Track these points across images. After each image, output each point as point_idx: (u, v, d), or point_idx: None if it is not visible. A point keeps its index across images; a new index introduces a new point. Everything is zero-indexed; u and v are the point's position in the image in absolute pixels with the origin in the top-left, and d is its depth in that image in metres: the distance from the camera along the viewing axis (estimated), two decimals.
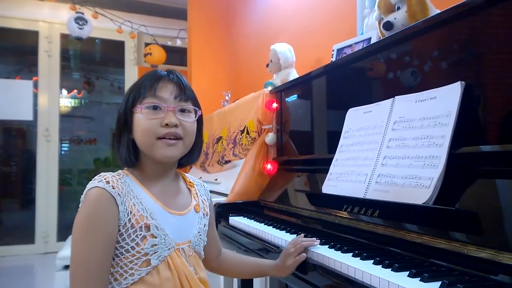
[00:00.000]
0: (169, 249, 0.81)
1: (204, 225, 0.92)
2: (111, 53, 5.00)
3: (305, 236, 1.08)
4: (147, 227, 0.79)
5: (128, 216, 0.78)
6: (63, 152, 4.61)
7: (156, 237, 0.80)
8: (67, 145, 4.75)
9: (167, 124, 0.81)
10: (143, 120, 0.81)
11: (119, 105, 0.87)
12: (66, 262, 2.09)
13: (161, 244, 0.80)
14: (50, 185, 4.21)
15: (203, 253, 0.92)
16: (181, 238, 0.85)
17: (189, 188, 0.94)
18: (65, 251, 2.16)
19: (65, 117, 4.64)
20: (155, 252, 0.79)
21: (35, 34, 4.26)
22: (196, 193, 0.94)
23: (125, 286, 0.77)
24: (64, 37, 4.36)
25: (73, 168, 4.83)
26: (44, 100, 4.27)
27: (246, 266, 1.03)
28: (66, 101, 4.79)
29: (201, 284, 0.85)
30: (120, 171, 0.85)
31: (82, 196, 0.78)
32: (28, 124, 4.41)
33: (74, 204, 4.75)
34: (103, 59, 5.24)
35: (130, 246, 0.78)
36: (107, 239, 0.75)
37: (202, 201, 0.94)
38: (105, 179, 0.78)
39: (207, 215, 0.94)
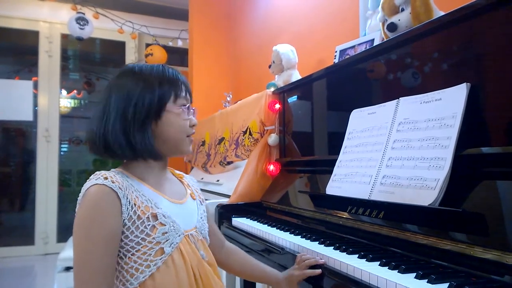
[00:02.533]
0: (179, 235, 0.83)
1: (204, 210, 0.95)
2: (112, 53, 5.00)
3: (308, 238, 1.09)
4: (155, 216, 0.80)
5: (132, 208, 0.78)
6: (62, 153, 4.60)
7: (165, 225, 0.81)
8: (66, 145, 4.75)
9: (194, 125, 0.90)
10: (179, 119, 0.86)
11: (133, 88, 0.83)
12: (67, 263, 2.09)
13: (171, 231, 0.81)
14: (49, 186, 4.20)
15: (209, 239, 0.94)
16: (187, 225, 0.86)
17: (180, 180, 0.97)
18: (66, 252, 2.16)
19: (65, 118, 4.63)
20: (167, 240, 0.80)
21: (35, 34, 4.26)
22: (188, 184, 0.97)
23: (143, 279, 0.77)
24: (65, 37, 4.35)
25: (72, 168, 4.82)
26: (44, 101, 4.27)
27: (253, 268, 1.04)
28: (66, 102, 4.78)
29: (210, 269, 0.87)
30: (114, 169, 0.84)
31: (80, 197, 0.77)
32: (28, 124, 4.40)
33: (74, 204, 4.62)
34: (103, 59, 5.23)
35: (140, 238, 0.78)
36: (110, 235, 0.75)
37: (195, 190, 0.98)
38: (102, 176, 0.78)
39: (203, 202, 0.97)
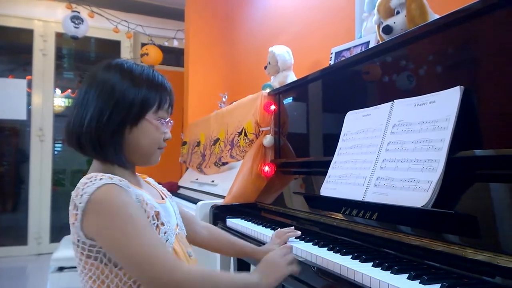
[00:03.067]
0: (173, 235, 0.83)
1: (176, 204, 0.96)
2: (107, 52, 4.97)
3: (302, 239, 1.09)
4: (157, 215, 0.80)
5: (142, 206, 0.77)
6: (56, 152, 4.57)
7: (164, 225, 0.80)
8: (60, 145, 4.72)
9: (167, 139, 0.86)
10: (154, 131, 0.82)
11: (118, 84, 0.79)
12: (60, 263, 2.07)
13: (169, 231, 0.81)
14: (43, 186, 4.17)
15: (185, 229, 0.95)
16: (172, 224, 0.86)
17: (146, 181, 0.95)
18: (60, 252, 2.15)
19: (59, 117, 4.60)
20: (167, 240, 0.80)
21: (30, 32, 4.23)
22: (153, 184, 0.96)
23: None
24: (59, 36, 4.33)
25: (66, 168, 4.79)
26: (38, 100, 4.24)
27: (233, 244, 1.06)
28: (60, 101, 4.75)
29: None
30: (103, 173, 0.77)
31: (83, 204, 0.70)
32: (22, 123, 4.36)
33: (67, 204, 4.69)
34: (98, 58, 5.20)
35: None
36: (147, 220, 0.75)
37: (160, 189, 0.97)
38: (105, 177, 0.73)
39: (171, 197, 0.98)
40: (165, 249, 0.74)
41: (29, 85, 4.21)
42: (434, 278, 0.70)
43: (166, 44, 4.42)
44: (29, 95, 4.18)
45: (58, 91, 4.64)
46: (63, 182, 4.72)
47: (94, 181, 0.72)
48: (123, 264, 0.72)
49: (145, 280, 0.71)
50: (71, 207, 0.74)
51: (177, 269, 0.71)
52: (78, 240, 0.73)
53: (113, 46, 4.61)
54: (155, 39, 4.38)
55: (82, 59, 5.09)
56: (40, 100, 4.24)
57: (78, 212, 0.71)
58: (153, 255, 0.70)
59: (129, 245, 0.69)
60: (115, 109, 0.77)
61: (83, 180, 0.74)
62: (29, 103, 4.19)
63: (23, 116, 4.14)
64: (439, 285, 0.66)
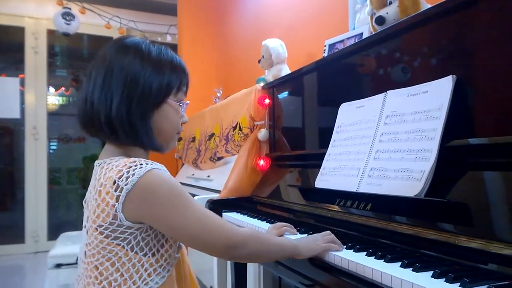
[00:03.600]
0: None
1: None
2: (100, 49, 4.92)
3: (297, 231, 1.10)
4: None
5: None
6: (51, 151, 4.55)
7: None
8: (55, 143, 4.69)
9: (184, 122, 0.88)
10: (175, 114, 0.83)
11: (139, 71, 0.77)
12: (57, 260, 2.08)
13: None
14: (39, 184, 4.16)
15: None
16: None
17: None
18: (57, 249, 2.15)
19: (53, 115, 4.57)
20: None
21: (21, 30, 4.19)
22: None
23: (167, 275, 0.78)
24: (51, 33, 4.29)
25: (62, 166, 4.77)
26: (31, 98, 4.21)
27: None
28: (54, 99, 4.72)
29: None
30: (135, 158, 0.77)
31: (129, 186, 0.70)
32: (16, 122, 4.34)
33: (64, 203, 4.69)
34: (91, 55, 5.15)
35: None
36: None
37: None
38: (146, 163, 0.74)
39: None
40: (218, 217, 0.79)
41: (22, 83, 4.18)
42: (426, 266, 0.70)
43: (159, 39, 4.39)
44: (22, 94, 4.15)
45: (51, 89, 4.61)
46: (59, 181, 4.70)
47: (140, 165, 0.72)
48: (185, 238, 0.76)
49: (206, 248, 0.77)
50: (106, 189, 0.73)
51: (233, 233, 0.77)
52: (112, 223, 0.72)
53: (106, 43, 4.53)
54: (148, 34, 4.35)
55: (75, 56, 5.05)
56: (33, 99, 4.21)
57: (122, 193, 0.71)
58: (211, 223, 0.75)
59: (189, 219, 0.74)
60: (142, 96, 0.77)
61: (121, 163, 0.74)
62: (22, 102, 4.16)
63: (16, 115, 4.11)
64: (431, 272, 0.67)
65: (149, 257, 0.75)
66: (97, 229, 0.74)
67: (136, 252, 0.74)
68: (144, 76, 0.77)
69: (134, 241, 0.74)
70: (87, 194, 0.81)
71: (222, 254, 0.78)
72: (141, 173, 0.71)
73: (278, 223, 1.12)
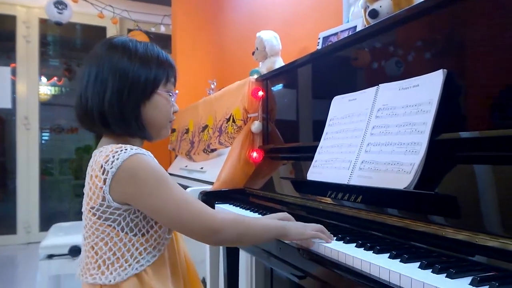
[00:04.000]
0: None
1: None
2: (93, 39, 4.88)
3: None
4: None
5: None
6: (43, 141, 4.52)
7: None
8: (47, 134, 4.66)
9: (176, 111, 0.92)
10: (165, 103, 0.88)
11: (128, 67, 0.82)
12: (49, 251, 2.07)
13: None
14: (31, 175, 4.14)
15: None
16: None
17: None
18: (49, 240, 2.14)
19: (45, 105, 4.53)
20: None
21: (12, 18, 4.13)
22: None
23: (157, 254, 0.83)
24: (43, 22, 4.23)
25: (54, 157, 4.74)
26: (23, 88, 4.16)
27: None
28: (46, 89, 4.67)
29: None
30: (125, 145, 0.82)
31: (114, 169, 0.75)
32: (7, 112, 4.29)
33: (56, 193, 4.68)
34: (84, 45, 5.10)
35: None
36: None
37: None
38: (134, 148, 0.79)
39: None
40: (200, 202, 0.81)
41: (14, 72, 4.13)
42: (414, 257, 0.72)
43: (153, 30, 4.35)
44: (13, 83, 4.10)
45: (44, 79, 4.56)
46: (51, 171, 4.67)
47: (125, 150, 0.78)
48: (164, 221, 0.80)
49: (187, 232, 0.80)
50: (95, 173, 0.78)
51: (213, 218, 0.79)
52: (101, 204, 0.78)
53: (99, 33, 4.53)
54: (142, 25, 4.31)
55: (67, 46, 5.00)
56: (25, 88, 4.17)
57: (108, 176, 0.76)
58: (191, 208, 0.78)
59: (168, 202, 0.77)
60: (131, 88, 0.82)
61: (109, 149, 0.78)
62: (14, 91, 4.11)
63: (8, 105, 4.06)
64: (419, 263, 0.68)
65: (139, 237, 0.80)
66: (90, 211, 0.80)
67: (126, 233, 0.79)
68: (132, 71, 0.83)
69: (123, 222, 0.79)
70: (86, 180, 0.86)
71: (203, 238, 0.80)
72: (125, 157, 0.76)
73: (278, 213, 1.09)
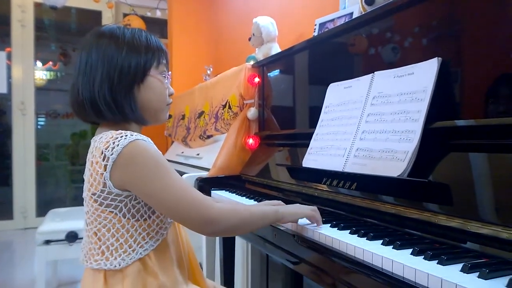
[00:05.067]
0: None
1: None
2: (88, 23, 4.81)
3: None
4: None
5: None
6: (39, 127, 4.50)
7: None
8: (43, 119, 4.63)
9: (171, 94, 0.92)
10: (160, 85, 0.87)
11: (116, 53, 0.82)
12: (46, 237, 2.08)
13: None
14: (27, 160, 4.13)
15: None
16: None
17: None
18: (45, 226, 2.15)
19: (41, 90, 4.49)
20: None
21: (7, 2, 4.06)
22: None
23: (160, 238, 0.84)
24: (38, 6, 4.17)
25: (50, 142, 4.72)
26: (18, 72, 4.12)
27: None
28: (42, 74, 4.63)
29: None
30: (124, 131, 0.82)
31: (115, 155, 0.75)
32: (2, 97, 4.26)
33: (53, 179, 4.68)
34: (79, 29, 5.03)
35: None
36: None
37: None
38: (131, 134, 0.78)
39: None
40: (198, 192, 0.81)
41: (9, 57, 4.08)
42: (406, 244, 0.72)
43: (148, 14, 4.29)
44: (9, 68, 4.06)
45: (39, 63, 4.51)
46: (47, 157, 4.67)
47: (125, 136, 0.77)
48: (161, 208, 0.80)
49: (182, 221, 0.81)
50: (96, 159, 0.78)
51: (209, 208, 0.78)
52: (103, 191, 0.78)
53: (95, 17, 4.46)
54: (137, 9, 4.25)
55: (63, 30, 4.93)
56: (21, 73, 4.13)
57: (109, 163, 0.76)
58: (189, 197, 0.78)
59: (166, 190, 0.77)
60: (122, 73, 0.82)
61: (109, 135, 0.78)
62: (9, 76, 4.07)
63: (3, 90, 4.02)
64: (411, 249, 0.69)
65: (141, 222, 0.81)
66: (91, 197, 0.80)
67: (128, 219, 0.80)
68: (120, 56, 0.82)
69: (125, 208, 0.79)
70: (86, 166, 0.86)
71: (199, 227, 0.80)
72: (125, 143, 0.76)
73: (267, 201, 1.12)
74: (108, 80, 0.81)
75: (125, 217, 0.79)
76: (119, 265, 0.79)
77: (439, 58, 0.89)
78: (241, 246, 1.81)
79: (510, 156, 0.73)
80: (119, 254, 0.79)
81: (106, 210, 0.79)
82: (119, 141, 0.76)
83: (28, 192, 4.13)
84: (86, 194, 0.82)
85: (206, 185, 1.68)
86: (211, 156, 2.00)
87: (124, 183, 0.78)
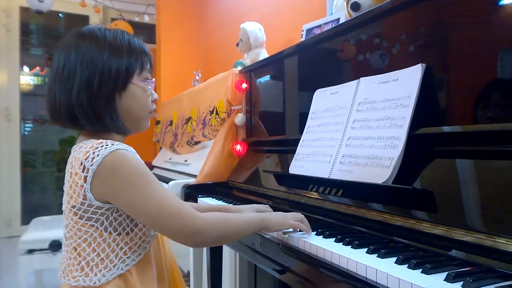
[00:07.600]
0: None
1: None
2: (75, 28, 4.77)
3: None
4: None
5: None
6: (26, 133, 4.42)
7: None
8: (30, 125, 4.56)
9: (155, 100, 0.88)
10: (142, 93, 0.83)
11: (97, 55, 0.77)
12: (29, 246, 2.04)
13: None
14: (12, 167, 4.05)
15: None
16: None
17: None
18: (29, 235, 2.11)
19: (28, 96, 4.42)
20: None
21: None
22: None
23: (143, 252, 0.81)
24: (25, 10, 4.11)
25: (37, 149, 4.64)
26: (3, 78, 4.06)
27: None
28: (29, 79, 4.56)
29: None
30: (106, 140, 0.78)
31: (95, 166, 0.71)
32: None
33: (39, 186, 4.59)
34: (66, 34, 4.99)
35: None
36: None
37: None
38: (112, 143, 0.74)
39: None
40: (182, 203, 0.78)
41: None
42: (391, 252, 0.72)
43: (136, 19, 4.27)
44: None
45: (26, 68, 4.45)
46: (33, 163, 4.58)
47: (106, 146, 0.74)
48: (144, 220, 0.76)
49: (166, 232, 0.78)
50: (75, 170, 0.74)
51: (193, 220, 0.75)
52: (83, 203, 0.74)
53: (82, 21, 4.42)
54: (125, 14, 4.22)
55: (50, 35, 4.87)
56: (5, 78, 4.07)
57: (89, 174, 0.73)
58: (172, 208, 0.74)
59: (148, 201, 0.73)
60: (102, 79, 0.77)
61: (89, 145, 0.75)
62: None
63: None
64: (395, 258, 0.68)
65: (123, 236, 0.77)
66: (71, 210, 0.76)
67: (110, 233, 0.76)
68: (101, 59, 0.77)
69: (106, 221, 0.76)
70: (65, 177, 0.82)
71: (182, 239, 0.76)
72: (105, 153, 0.72)
73: (257, 205, 1.08)
74: (88, 86, 0.75)
75: (106, 231, 0.76)
76: (99, 282, 0.75)
77: (423, 64, 0.89)
78: (229, 254, 1.79)
79: (495, 163, 0.73)
80: (99, 270, 0.75)
81: (87, 223, 0.75)
82: (99, 151, 0.73)
83: (13, 200, 4.06)
84: (65, 207, 0.78)
85: (192, 192, 1.66)
86: (199, 162, 1.99)
87: (105, 195, 0.74)
